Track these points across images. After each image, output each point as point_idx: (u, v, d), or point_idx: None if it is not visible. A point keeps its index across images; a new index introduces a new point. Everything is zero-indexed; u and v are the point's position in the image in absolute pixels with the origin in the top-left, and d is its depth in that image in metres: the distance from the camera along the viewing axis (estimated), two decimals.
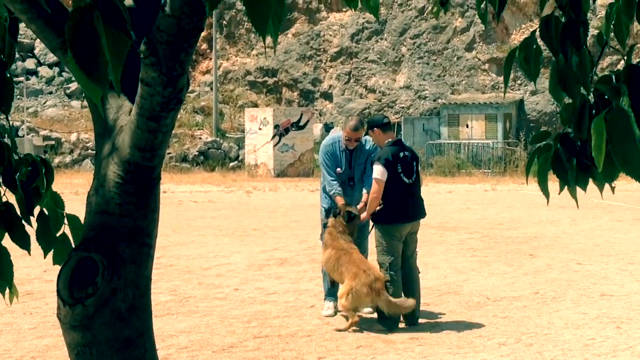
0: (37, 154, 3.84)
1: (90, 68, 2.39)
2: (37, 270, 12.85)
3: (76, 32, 2.37)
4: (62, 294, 3.29)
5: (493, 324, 10.45)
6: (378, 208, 10.49)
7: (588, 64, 2.86)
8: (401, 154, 10.56)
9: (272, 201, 27.69)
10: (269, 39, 2.80)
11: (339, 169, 11.20)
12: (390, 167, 10.42)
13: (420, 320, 10.56)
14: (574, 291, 12.34)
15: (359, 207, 10.78)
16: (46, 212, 3.36)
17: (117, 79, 2.40)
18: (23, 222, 3.25)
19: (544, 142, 3.04)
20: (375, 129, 10.72)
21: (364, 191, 11.01)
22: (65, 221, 3.47)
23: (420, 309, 10.69)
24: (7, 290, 3.38)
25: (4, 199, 3.23)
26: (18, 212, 3.26)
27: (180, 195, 29.00)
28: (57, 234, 3.42)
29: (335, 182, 11.14)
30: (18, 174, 3.20)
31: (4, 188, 3.18)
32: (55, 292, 3.41)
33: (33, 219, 3.33)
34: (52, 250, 3.44)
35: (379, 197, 10.40)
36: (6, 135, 3.16)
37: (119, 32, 2.38)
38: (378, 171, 10.38)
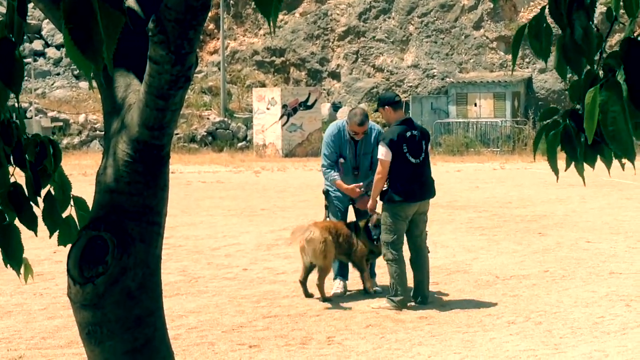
0: (46, 135, 3.82)
1: (85, 45, 2.38)
2: (46, 252, 12.87)
3: (72, 9, 2.36)
4: (72, 273, 3.29)
5: (502, 302, 10.45)
6: (384, 188, 10.46)
7: (594, 37, 2.84)
8: (408, 134, 10.45)
9: (280, 181, 27.69)
10: (277, 19, 2.79)
11: (342, 159, 11.14)
12: (395, 146, 10.29)
13: (430, 299, 10.56)
14: (583, 269, 12.33)
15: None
16: (53, 193, 3.36)
17: (109, 57, 2.38)
18: (31, 203, 3.25)
19: (551, 119, 3.03)
20: (386, 106, 10.59)
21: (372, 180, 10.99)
22: (72, 203, 3.47)
23: (430, 288, 10.70)
24: (22, 269, 3.38)
25: (12, 180, 3.22)
26: (26, 193, 3.25)
27: (189, 176, 29.01)
28: (63, 215, 3.41)
29: (329, 170, 11.10)
30: (27, 154, 3.20)
31: (14, 167, 3.18)
32: (65, 273, 3.42)
33: (40, 201, 3.33)
34: (58, 231, 3.43)
35: (384, 177, 10.30)
36: (14, 115, 3.16)
37: (113, 10, 2.36)
38: (382, 151, 10.27)
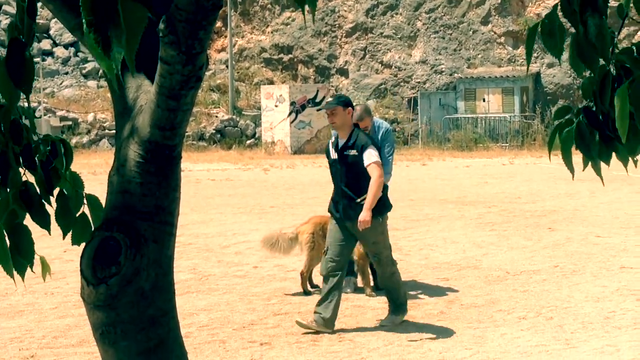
0: (55, 134, 3.82)
1: (107, 42, 2.37)
2: (57, 251, 12.89)
3: (93, 6, 2.35)
4: (85, 273, 3.30)
5: (513, 298, 10.44)
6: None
7: (607, 34, 2.83)
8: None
9: (289, 178, 27.70)
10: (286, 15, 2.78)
11: None
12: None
13: (440, 295, 10.57)
14: (594, 264, 12.32)
15: None
16: (66, 192, 3.35)
17: (131, 57, 2.37)
18: (43, 202, 3.24)
19: (565, 117, 3.02)
20: (350, 108, 9.53)
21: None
22: (85, 201, 3.47)
23: (440, 284, 10.71)
24: (40, 267, 3.38)
25: (23, 179, 3.22)
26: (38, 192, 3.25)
27: (198, 174, 29.04)
28: (77, 214, 3.41)
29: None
30: (37, 154, 3.20)
31: (24, 169, 3.18)
32: (76, 272, 3.42)
33: (52, 200, 3.33)
34: (71, 231, 3.43)
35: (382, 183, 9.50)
36: (24, 116, 3.16)
37: (136, 4, 2.34)
38: (376, 154, 9.36)
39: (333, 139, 9.70)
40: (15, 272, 3.20)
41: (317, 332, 8.93)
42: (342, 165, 9.28)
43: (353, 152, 9.21)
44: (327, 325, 8.99)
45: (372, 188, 9.10)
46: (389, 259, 9.44)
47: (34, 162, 3.17)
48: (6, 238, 3.15)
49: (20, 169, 3.17)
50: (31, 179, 3.27)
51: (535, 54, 42.56)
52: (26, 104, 3.07)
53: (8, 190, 3.10)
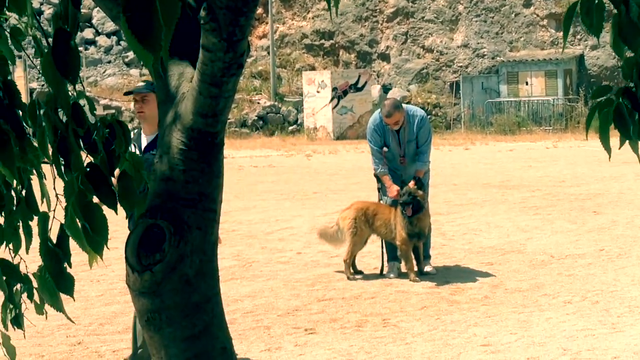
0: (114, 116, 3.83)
1: (143, 34, 2.37)
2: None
3: None
4: (130, 261, 3.32)
5: (558, 282, 10.38)
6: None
7: None
8: None
9: (332, 164, 27.70)
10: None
11: (385, 148, 11.11)
12: None
13: (484, 280, 10.53)
14: None
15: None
16: (128, 172, 3.36)
17: (166, 46, 2.37)
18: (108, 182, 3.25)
19: (604, 97, 2.99)
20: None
21: (417, 167, 11.01)
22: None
23: (484, 269, 10.69)
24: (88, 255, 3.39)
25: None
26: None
27: (241, 161, 29.11)
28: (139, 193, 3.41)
29: (379, 161, 11.10)
30: (95, 137, 3.21)
31: (85, 152, 3.19)
32: (120, 259, 3.45)
33: (114, 181, 3.33)
34: (135, 210, 3.43)
35: None
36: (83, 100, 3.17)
37: None
38: None
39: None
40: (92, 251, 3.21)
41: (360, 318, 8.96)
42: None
43: None
44: None
45: None
46: None
47: (94, 145, 3.18)
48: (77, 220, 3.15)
49: (82, 152, 3.18)
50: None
51: (579, 36, 42.22)
52: (74, 94, 3.09)
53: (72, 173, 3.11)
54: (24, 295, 3.57)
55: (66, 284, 3.25)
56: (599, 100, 2.98)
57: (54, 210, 3.31)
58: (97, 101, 40.99)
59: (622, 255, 11.76)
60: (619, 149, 3.10)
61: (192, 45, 3.23)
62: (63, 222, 3.14)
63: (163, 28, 2.33)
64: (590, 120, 3.05)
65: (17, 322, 3.73)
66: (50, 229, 3.28)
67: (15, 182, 3.35)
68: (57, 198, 3.28)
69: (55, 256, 3.23)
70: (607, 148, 3.00)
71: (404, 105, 11.26)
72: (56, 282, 3.22)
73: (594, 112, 2.97)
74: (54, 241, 3.23)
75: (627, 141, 2.96)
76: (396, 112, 10.83)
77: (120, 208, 3.22)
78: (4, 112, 3.04)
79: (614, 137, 2.94)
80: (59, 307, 3.30)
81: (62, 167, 3.10)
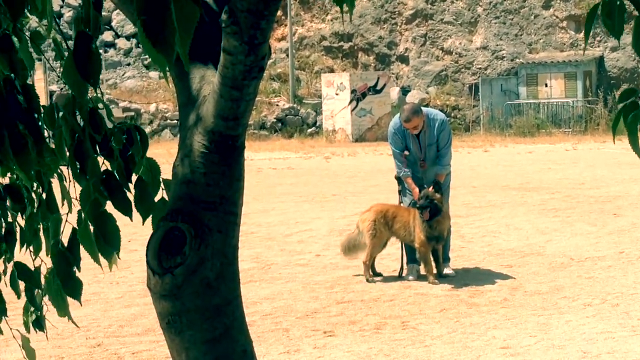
0: (131, 121, 3.86)
1: (156, 37, 2.38)
2: (121, 241, 13.00)
3: (146, 1, 2.37)
4: (151, 264, 3.33)
5: (577, 284, 10.35)
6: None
7: None
8: None
9: (351, 166, 27.71)
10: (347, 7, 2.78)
11: (406, 152, 11.12)
12: None
13: (504, 282, 10.51)
14: None
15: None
16: (144, 179, 3.38)
17: (184, 51, 2.38)
18: (124, 189, 3.27)
19: (630, 100, 2.98)
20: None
21: (437, 171, 11.05)
22: (162, 186, 3.50)
23: (503, 271, 10.67)
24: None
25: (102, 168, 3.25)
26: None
27: (260, 163, 29.15)
28: (155, 200, 3.44)
29: (401, 164, 11.12)
30: (113, 142, 3.23)
31: (102, 157, 3.21)
32: (140, 262, 3.46)
33: (131, 187, 3.35)
34: (151, 216, 3.45)
35: None
36: (101, 105, 3.19)
37: (188, 2, 2.36)
38: None
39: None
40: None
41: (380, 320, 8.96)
42: None
43: None
44: None
45: None
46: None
47: (111, 150, 3.20)
48: (90, 226, 3.18)
49: (98, 158, 3.20)
50: (107, 168, 3.30)
51: (598, 38, 42.10)
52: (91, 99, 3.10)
53: (87, 179, 3.13)
54: (46, 298, 3.59)
55: (74, 288, 3.28)
56: (624, 103, 2.97)
57: (67, 214, 3.33)
58: (116, 103, 41.12)
59: None
60: None
61: (214, 48, 3.24)
62: (76, 225, 3.16)
63: (177, 31, 2.34)
64: (617, 124, 3.04)
65: (39, 324, 3.76)
66: (63, 232, 3.30)
67: (35, 184, 3.37)
68: (70, 202, 3.31)
69: (65, 259, 3.26)
70: (638, 152, 2.98)
71: (424, 109, 11.26)
72: (64, 285, 3.25)
73: (620, 115, 2.96)
74: (65, 244, 3.25)
75: None
76: (415, 117, 10.83)
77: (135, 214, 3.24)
78: (23, 116, 3.06)
79: None
80: (64, 311, 3.33)
81: (78, 172, 3.12)
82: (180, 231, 3.28)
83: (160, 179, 3.39)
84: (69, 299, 3.38)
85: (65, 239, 3.30)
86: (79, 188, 3.18)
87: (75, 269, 3.28)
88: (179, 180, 3.36)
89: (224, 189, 3.33)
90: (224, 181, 3.33)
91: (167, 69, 2.63)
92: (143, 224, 3.38)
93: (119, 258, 3.27)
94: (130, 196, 3.24)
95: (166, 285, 3.31)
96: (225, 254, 3.36)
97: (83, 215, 3.15)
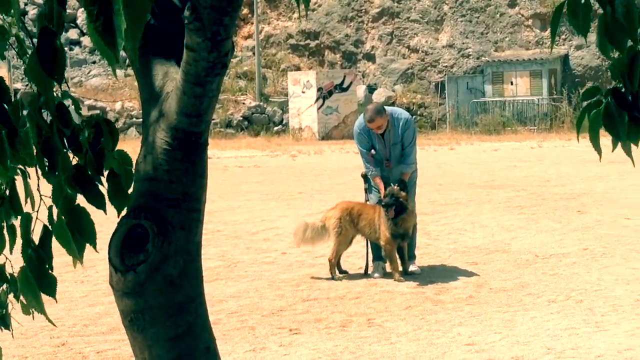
0: (100, 115, 3.83)
1: (105, 33, 2.36)
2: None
3: None
4: (113, 261, 3.31)
5: (542, 281, 10.41)
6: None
7: (636, 14, 2.81)
8: None
9: (317, 164, 27.71)
10: (310, 2, 2.78)
11: (372, 151, 11.14)
12: None
13: (469, 280, 10.55)
14: (623, 247, 12.25)
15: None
16: (116, 171, 3.35)
17: (135, 46, 2.37)
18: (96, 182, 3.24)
19: (594, 98, 3.00)
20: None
21: (402, 170, 11.07)
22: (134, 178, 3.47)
23: (469, 268, 10.71)
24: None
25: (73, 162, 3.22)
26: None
27: (226, 161, 29.09)
28: (129, 191, 3.41)
29: (369, 164, 11.14)
30: (81, 137, 3.20)
31: (71, 153, 3.18)
32: (105, 260, 3.44)
33: (103, 180, 3.33)
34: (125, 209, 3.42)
35: None
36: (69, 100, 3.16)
37: None
38: None
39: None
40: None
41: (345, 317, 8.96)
42: None
43: None
44: None
45: None
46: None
47: (80, 145, 3.17)
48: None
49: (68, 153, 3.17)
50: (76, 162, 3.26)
51: (563, 36, 42.34)
52: (59, 94, 3.08)
53: (58, 174, 3.10)
54: (10, 296, 3.56)
55: (49, 285, 3.25)
56: (589, 101, 2.99)
57: (37, 212, 3.30)
58: (81, 101, 40.90)
59: (606, 254, 11.79)
60: (612, 151, 3.11)
61: (177, 45, 3.23)
62: (46, 223, 3.14)
63: (124, 24, 2.32)
64: (581, 122, 3.06)
65: (4, 322, 3.72)
66: (33, 230, 3.27)
67: None
68: (42, 199, 3.28)
69: (37, 257, 3.23)
70: (598, 149, 3.01)
71: (388, 108, 11.28)
72: (38, 283, 3.22)
73: (585, 113, 2.98)
74: (36, 242, 3.22)
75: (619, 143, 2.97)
76: (378, 117, 10.84)
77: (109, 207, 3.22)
78: None
79: (603, 137, 2.95)
80: (40, 309, 3.30)
81: (47, 168, 3.09)
82: (143, 228, 3.27)
83: (133, 171, 3.36)
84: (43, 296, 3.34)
85: (35, 236, 3.26)
86: (44, 185, 3.15)
87: (47, 266, 3.25)
88: (142, 177, 3.34)
89: (187, 185, 3.32)
90: (187, 178, 3.32)
91: (128, 63, 2.61)
92: (118, 216, 3.36)
93: (97, 251, 3.24)
94: (103, 189, 3.21)
95: (129, 282, 3.30)
96: (188, 251, 3.35)
97: (56, 211, 3.12)
